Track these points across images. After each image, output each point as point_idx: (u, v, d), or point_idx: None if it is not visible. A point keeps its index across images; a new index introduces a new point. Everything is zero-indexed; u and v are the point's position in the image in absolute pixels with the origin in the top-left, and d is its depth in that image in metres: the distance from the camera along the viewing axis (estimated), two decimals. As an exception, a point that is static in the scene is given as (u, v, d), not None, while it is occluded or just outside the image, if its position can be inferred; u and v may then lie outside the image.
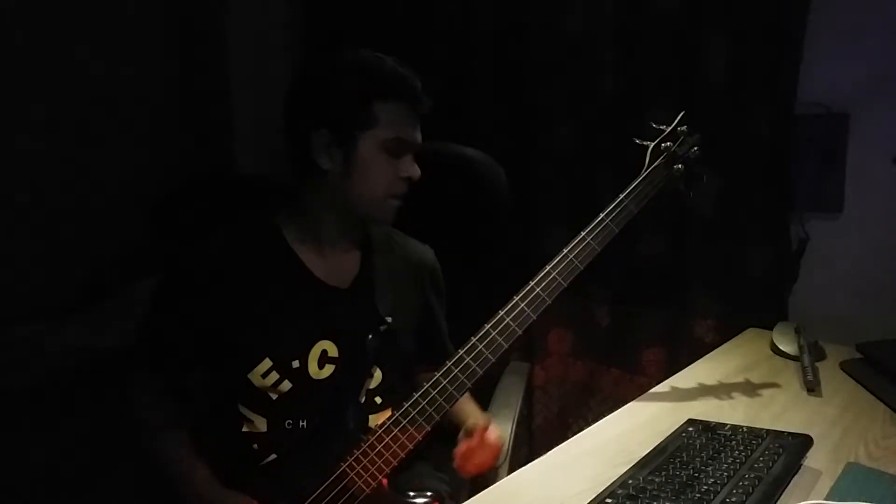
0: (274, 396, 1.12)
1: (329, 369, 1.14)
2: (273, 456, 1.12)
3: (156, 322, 1.17)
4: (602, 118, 1.75)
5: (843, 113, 1.52)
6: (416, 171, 1.14)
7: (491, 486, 0.97)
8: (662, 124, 1.19)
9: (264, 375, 1.11)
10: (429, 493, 1.12)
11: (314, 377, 1.13)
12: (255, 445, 1.13)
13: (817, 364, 1.34)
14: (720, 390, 1.26)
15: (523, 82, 1.85)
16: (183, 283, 1.14)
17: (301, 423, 1.12)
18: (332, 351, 1.14)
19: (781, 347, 1.43)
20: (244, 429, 1.13)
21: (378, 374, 1.18)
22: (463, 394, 1.06)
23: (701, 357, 1.44)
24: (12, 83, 1.84)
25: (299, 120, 1.13)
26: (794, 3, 1.49)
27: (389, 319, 1.14)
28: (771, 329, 1.51)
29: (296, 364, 1.12)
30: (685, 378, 1.33)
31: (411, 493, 1.12)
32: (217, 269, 1.12)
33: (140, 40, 2.09)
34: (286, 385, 1.12)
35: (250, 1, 2.25)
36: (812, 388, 1.25)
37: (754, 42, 1.54)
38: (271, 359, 1.11)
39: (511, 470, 1.28)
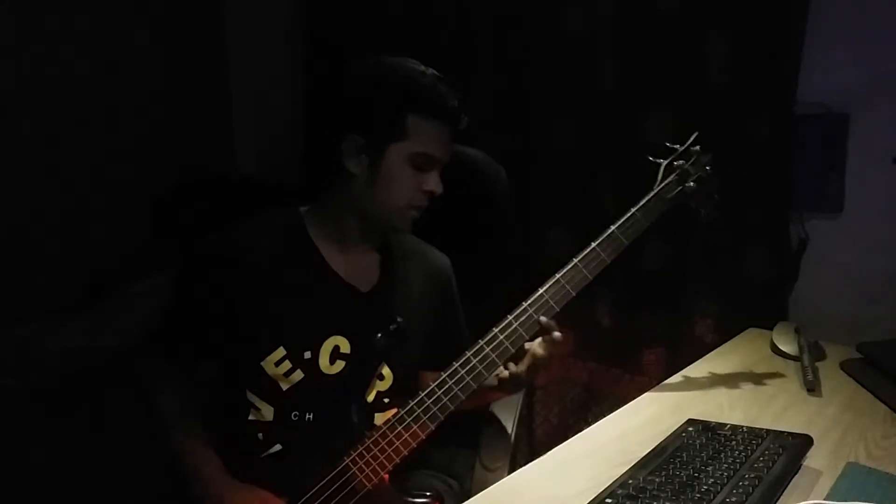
0: (284, 387, 1.14)
1: (340, 365, 1.16)
2: (278, 446, 1.14)
3: (180, 305, 1.20)
4: (602, 118, 1.75)
5: (843, 113, 1.51)
6: (438, 187, 1.17)
7: (491, 486, 0.97)
8: (676, 143, 1.21)
9: (277, 364, 1.13)
10: (428, 493, 1.12)
11: (324, 371, 1.15)
12: (260, 435, 1.14)
13: (817, 364, 1.34)
14: (720, 390, 1.26)
15: (523, 82, 1.85)
16: (208, 268, 1.17)
17: (307, 416, 1.14)
18: (345, 347, 1.16)
19: (781, 347, 1.43)
20: (250, 417, 1.15)
21: (389, 377, 1.19)
22: (467, 395, 1.07)
23: (701, 357, 1.44)
24: (12, 83, 1.84)
25: (334, 122, 1.16)
26: (794, 3, 1.49)
27: (400, 319, 1.15)
28: (771, 329, 1.51)
29: (307, 355, 1.14)
30: (685, 378, 1.32)
31: (413, 492, 1.12)
32: (240, 257, 1.15)
33: (139, 40, 2.10)
34: (298, 375, 1.14)
35: (251, 1, 2.25)
36: (812, 388, 1.25)
37: (754, 42, 1.54)
38: (285, 347, 1.13)
39: (511, 470, 1.29)
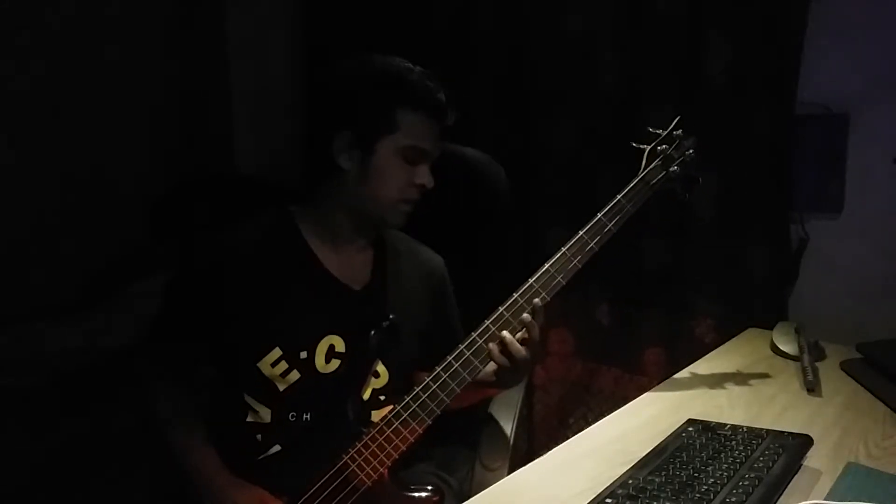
0: (281, 387, 1.14)
1: (335, 364, 1.16)
2: (277, 447, 1.14)
3: (173, 309, 1.20)
4: (602, 118, 1.75)
5: (843, 113, 1.52)
6: (429, 180, 1.17)
7: (491, 486, 0.97)
8: (659, 128, 1.20)
9: (273, 364, 1.13)
10: (430, 487, 1.13)
11: (320, 370, 1.15)
12: (259, 436, 1.15)
13: (817, 364, 1.34)
14: (720, 390, 1.26)
15: (523, 82, 1.85)
16: (201, 270, 1.17)
17: (304, 416, 1.14)
18: (340, 346, 1.16)
19: (781, 347, 1.43)
20: (248, 419, 1.15)
21: (384, 374, 1.19)
22: (462, 388, 1.07)
23: (701, 357, 1.44)
24: (12, 83, 1.84)
25: (325, 120, 1.17)
26: (794, 3, 1.50)
27: (392, 316, 1.15)
28: (771, 329, 1.51)
29: (303, 355, 1.14)
30: (685, 378, 1.33)
31: (412, 487, 1.12)
32: (234, 259, 1.15)
33: (140, 40, 2.10)
34: (294, 375, 1.14)
35: (250, 1, 2.25)
36: (812, 388, 1.25)
37: (754, 42, 1.54)
38: (281, 348, 1.13)
39: (511, 470, 1.29)
